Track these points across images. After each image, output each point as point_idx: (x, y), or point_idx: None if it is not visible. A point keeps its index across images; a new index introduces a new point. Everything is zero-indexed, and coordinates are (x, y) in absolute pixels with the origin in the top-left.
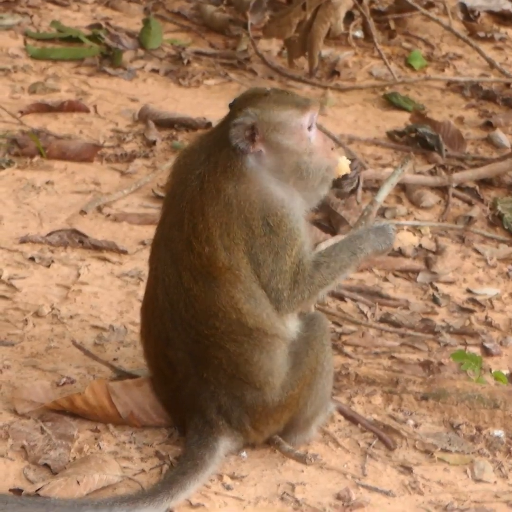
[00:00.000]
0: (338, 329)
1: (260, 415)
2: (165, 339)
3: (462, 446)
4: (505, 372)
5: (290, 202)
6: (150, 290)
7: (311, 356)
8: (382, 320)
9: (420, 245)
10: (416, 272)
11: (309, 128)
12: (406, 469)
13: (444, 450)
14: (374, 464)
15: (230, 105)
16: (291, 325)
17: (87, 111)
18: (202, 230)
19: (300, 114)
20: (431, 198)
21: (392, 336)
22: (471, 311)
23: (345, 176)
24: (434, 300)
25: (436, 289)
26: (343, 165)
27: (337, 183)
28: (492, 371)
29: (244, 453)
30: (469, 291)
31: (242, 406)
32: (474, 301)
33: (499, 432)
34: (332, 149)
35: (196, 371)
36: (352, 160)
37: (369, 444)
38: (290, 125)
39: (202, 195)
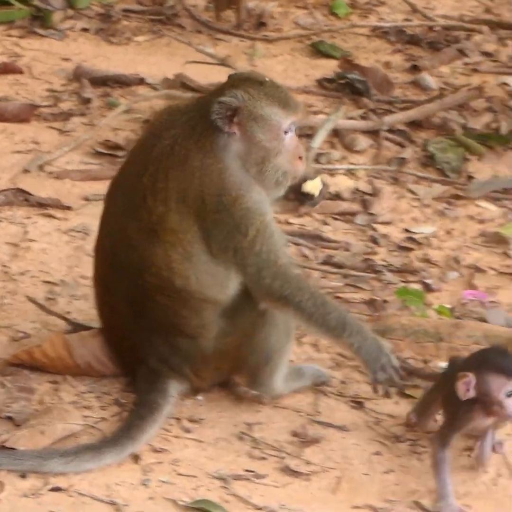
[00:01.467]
0: None
1: (199, 363)
2: (106, 286)
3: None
4: (447, 306)
5: (248, 187)
6: (99, 233)
7: (251, 310)
8: (324, 263)
9: (356, 188)
10: (354, 214)
11: (287, 131)
12: (358, 404)
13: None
14: (327, 401)
15: (229, 77)
16: (231, 292)
17: (21, 72)
18: (161, 189)
19: (283, 115)
20: (363, 142)
21: (336, 277)
22: (410, 250)
23: (311, 196)
24: (374, 240)
25: (375, 230)
26: (315, 185)
27: (301, 199)
28: (435, 306)
29: (200, 397)
30: (406, 230)
31: (179, 354)
32: (412, 239)
33: (445, 364)
34: (300, 158)
35: (134, 320)
36: (324, 185)
37: (322, 382)
38: (270, 122)
39: (171, 156)
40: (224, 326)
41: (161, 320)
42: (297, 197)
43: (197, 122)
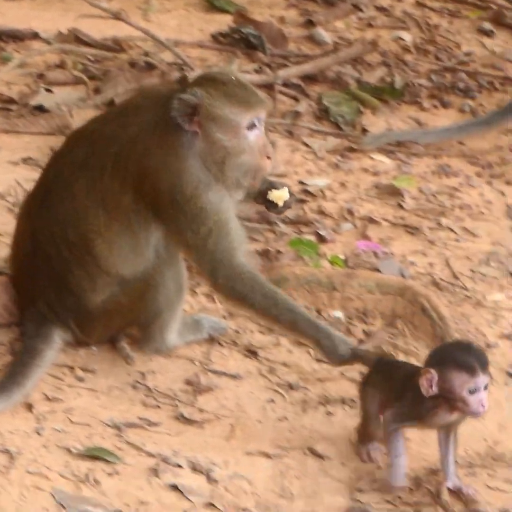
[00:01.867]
0: None
1: (83, 318)
2: (26, 222)
3: None
4: (341, 257)
5: (205, 187)
6: (45, 169)
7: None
8: None
9: None
10: None
11: (250, 128)
12: (252, 353)
13: None
14: (221, 350)
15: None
16: (138, 270)
17: None
18: (121, 176)
19: (242, 112)
20: None
21: None
22: (304, 201)
23: (276, 205)
24: None
25: (270, 183)
26: (280, 195)
27: (267, 205)
28: (329, 256)
29: (94, 347)
30: (301, 182)
31: (65, 307)
32: (306, 191)
33: (338, 313)
34: (268, 158)
35: (33, 261)
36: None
37: (219, 334)
38: (228, 121)
39: (133, 148)
40: (114, 291)
41: (56, 268)
42: (264, 203)
43: (161, 118)
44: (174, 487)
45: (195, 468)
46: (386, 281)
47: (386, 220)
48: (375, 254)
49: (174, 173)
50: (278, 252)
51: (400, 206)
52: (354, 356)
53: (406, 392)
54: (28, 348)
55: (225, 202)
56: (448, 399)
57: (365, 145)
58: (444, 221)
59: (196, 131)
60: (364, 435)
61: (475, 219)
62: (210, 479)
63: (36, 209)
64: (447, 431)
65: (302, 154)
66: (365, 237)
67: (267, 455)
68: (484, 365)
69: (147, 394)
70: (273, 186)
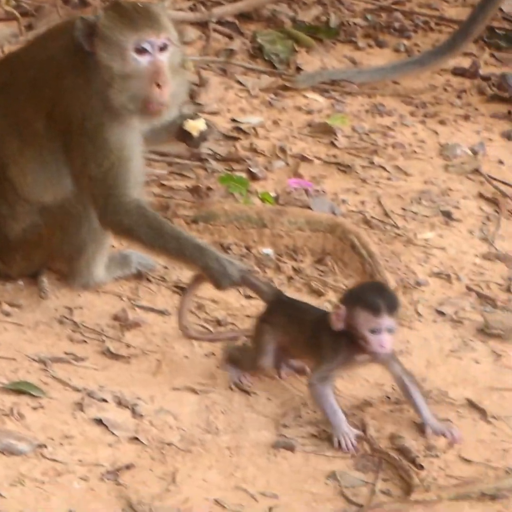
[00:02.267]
0: None
1: (4, 248)
2: None
3: None
4: (272, 194)
5: (110, 116)
6: None
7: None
8: (150, 151)
9: None
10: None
11: (139, 52)
12: (180, 289)
13: None
14: (149, 286)
15: None
16: (55, 199)
17: None
18: (36, 95)
19: (129, 34)
20: (192, 33)
21: (160, 165)
22: (236, 139)
23: (191, 136)
24: None
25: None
26: (195, 125)
27: (182, 137)
28: (259, 193)
29: (21, 282)
30: (233, 120)
31: None
32: (239, 129)
33: (268, 250)
34: (158, 85)
35: None
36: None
37: (147, 269)
38: (114, 42)
39: (48, 71)
40: (34, 220)
41: None
42: (178, 135)
43: (71, 44)
44: (99, 421)
45: (120, 403)
46: (316, 218)
47: (318, 158)
48: (307, 192)
49: (84, 98)
50: (209, 189)
51: (333, 145)
52: (244, 280)
53: (323, 347)
54: None
55: (130, 136)
56: (351, 337)
57: (299, 84)
58: (376, 159)
59: (93, 52)
60: (246, 364)
61: (408, 158)
62: (136, 414)
63: None
64: (396, 377)
65: (236, 92)
66: (297, 175)
67: (194, 390)
68: (391, 308)
69: (74, 329)
70: (189, 117)
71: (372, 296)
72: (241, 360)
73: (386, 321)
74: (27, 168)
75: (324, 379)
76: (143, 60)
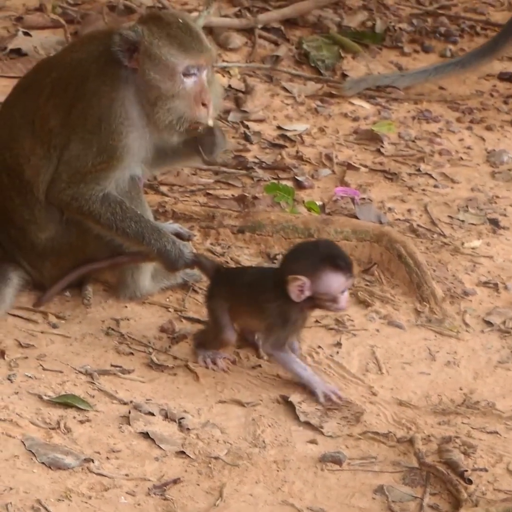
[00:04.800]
0: None
1: (30, 254)
2: None
3: None
4: (318, 203)
5: (131, 126)
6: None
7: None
8: None
9: (229, 86)
10: (227, 111)
11: (187, 75)
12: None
13: None
14: (196, 297)
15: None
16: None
17: None
18: (58, 95)
19: (181, 57)
20: (237, 39)
21: (206, 173)
22: (282, 147)
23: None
24: (246, 138)
25: (247, 127)
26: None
27: (199, 150)
28: (305, 202)
29: (68, 293)
30: (279, 127)
31: (10, 239)
32: (284, 137)
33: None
34: (203, 105)
35: None
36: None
37: (194, 280)
38: (165, 62)
39: (77, 70)
40: (59, 230)
41: None
42: (196, 148)
43: (105, 50)
44: (146, 435)
45: (167, 416)
46: (362, 228)
47: (365, 166)
48: (353, 200)
49: (106, 103)
50: (255, 198)
51: (379, 152)
52: (195, 262)
53: (271, 314)
54: None
55: (139, 146)
56: (318, 300)
57: (345, 91)
58: (423, 167)
59: (135, 67)
60: (211, 343)
61: (455, 165)
62: (182, 427)
63: None
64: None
65: (281, 99)
66: (343, 183)
67: (240, 403)
68: (351, 264)
69: (121, 341)
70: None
71: (334, 258)
72: (206, 341)
73: (352, 278)
74: (38, 166)
75: (280, 345)
76: (190, 81)
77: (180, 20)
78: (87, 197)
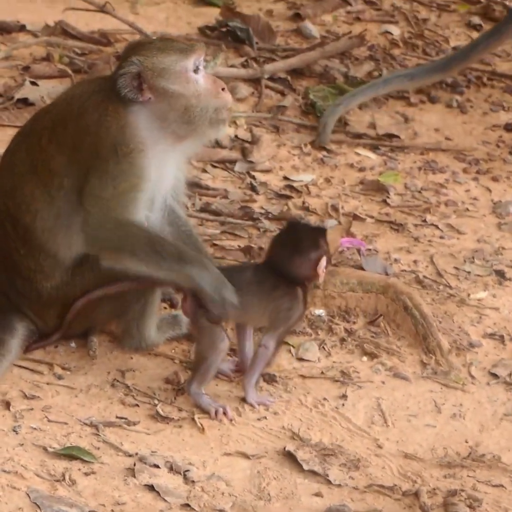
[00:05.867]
0: None
1: (36, 304)
2: None
3: None
4: None
5: (151, 146)
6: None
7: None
8: (202, 210)
9: (236, 136)
10: (233, 162)
11: (196, 71)
12: (231, 350)
13: None
14: None
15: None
16: (74, 252)
17: None
18: (60, 134)
19: (183, 58)
20: (244, 89)
21: (213, 224)
22: (288, 197)
23: None
24: (252, 188)
25: (254, 177)
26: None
27: None
28: None
29: (73, 344)
30: (286, 178)
31: (16, 290)
32: (291, 187)
33: (320, 311)
34: (223, 89)
35: None
36: None
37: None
38: (174, 70)
39: (80, 107)
40: (64, 278)
41: (3, 248)
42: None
43: (104, 98)
44: (151, 488)
45: (172, 468)
46: (368, 279)
47: (371, 216)
48: (359, 251)
49: (117, 129)
50: (261, 248)
51: (386, 203)
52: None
53: (280, 309)
54: None
55: (162, 162)
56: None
57: (323, 142)
58: (429, 217)
59: (149, 97)
60: (207, 365)
61: (461, 216)
62: (187, 480)
63: None
64: None
65: (288, 150)
66: (349, 233)
67: (245, 455)
68: None
69: (126, 393)
70: None
71: (315, 230)
72: (201, 369)
73: None
74: (39, 211)
75: (281, 342)
76: (200, 76)
77: (154, 38)
78: (119, 224)
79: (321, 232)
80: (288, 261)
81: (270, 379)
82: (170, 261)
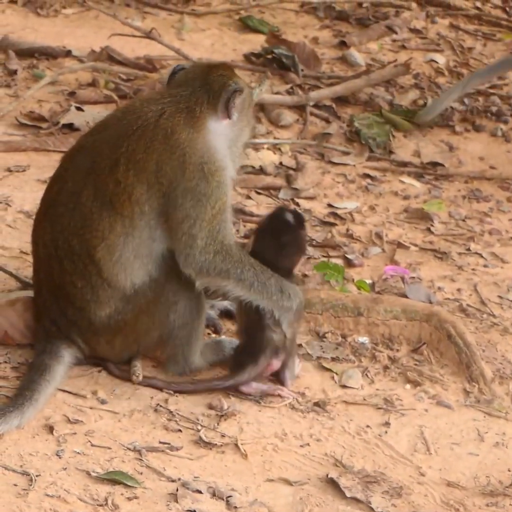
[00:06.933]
0: None
1: (86, 332)
2: (38, 237)
3: (335, 352)
4: (368, 281)
5: (227, 164)
6: (49, 186)
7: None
8: (246, 237)
9: (280, 163)
10: (278, 189)
11: None
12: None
13: (320, 358)
14: None
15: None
16: (137, 282)
17: None
18: (139, 160)
19: (251, 90)
20: (289, 116)
21: None
22: (332, 225)
23: None
24: None
25: (298, 204)
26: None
27: None
28: (355, 281)
29: (116, 370)
30: (330, 205)
31: (66, 318)
32: (335, 215)
33: (363, 339)
34: None
35: (46, 276)
36: None
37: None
38: (251, 103)
39: (156, 128)
40: (118, 306)
41: (58, 282)
42: None
43: (190, 105)
44: None
45: (214, 494)
46: (412, 307)
47: (414, 244)
48: (403, 279)
49: (202, 146)
50: (305, 275)
51: (429, 231)
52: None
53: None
54: (36, 364)
55: (231, 184)
56: None
57: (423, 118)
58: (473, 246)
59: (231, 115)
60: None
61: (505, 245)
62: (230, 506)
63: (38, 224)
64: None
65: (332, 177)
66: (393, 261)
67: (288, 482)
68: None
69: (169, 418)
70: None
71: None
72: (240, 358)
73: None
74: (116, 246)
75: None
76: None
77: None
78: (224, 248)
79: (299, 219)
80: (273, 252)
81: (314, 405)
82: (273, 291)
